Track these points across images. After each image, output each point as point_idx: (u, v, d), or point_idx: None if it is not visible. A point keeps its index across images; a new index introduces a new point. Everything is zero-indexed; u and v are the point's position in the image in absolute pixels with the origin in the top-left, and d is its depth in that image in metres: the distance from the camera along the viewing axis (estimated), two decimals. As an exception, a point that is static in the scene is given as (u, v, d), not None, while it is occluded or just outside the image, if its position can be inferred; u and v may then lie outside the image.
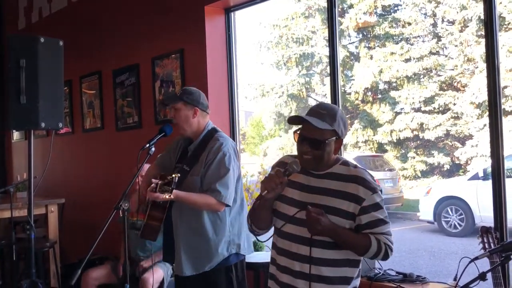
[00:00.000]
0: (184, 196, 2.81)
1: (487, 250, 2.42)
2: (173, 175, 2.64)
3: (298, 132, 2.11)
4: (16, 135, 7.80)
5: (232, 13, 4.86)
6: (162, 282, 4.06)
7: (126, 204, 2.56)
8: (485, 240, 2.53)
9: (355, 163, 2.21)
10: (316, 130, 2.03)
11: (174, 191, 2.69)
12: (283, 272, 2.16)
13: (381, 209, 2.08)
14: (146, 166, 4.21)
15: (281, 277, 2.17)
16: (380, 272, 3.54)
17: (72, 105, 6.46)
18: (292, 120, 2.12)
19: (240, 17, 5.03)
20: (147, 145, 2.81)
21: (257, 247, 4.29)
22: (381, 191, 2.11)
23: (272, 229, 2.30)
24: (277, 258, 2.20)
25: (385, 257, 2.09)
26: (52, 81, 3.32)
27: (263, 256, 3.84)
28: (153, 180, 2.75)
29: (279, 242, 2.20)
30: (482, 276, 2.02)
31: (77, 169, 6.46)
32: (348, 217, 2.06)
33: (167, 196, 2.65)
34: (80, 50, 6.15)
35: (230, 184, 2.87)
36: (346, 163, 2.15)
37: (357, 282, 2.17)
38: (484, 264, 2.36)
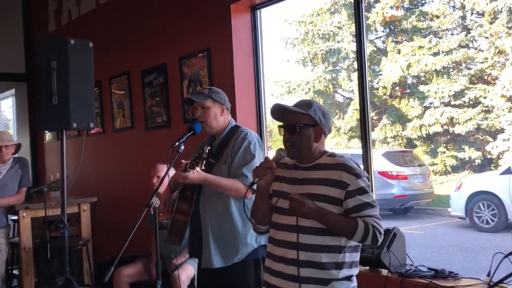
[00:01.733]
0: (213, 179, 2.85)
1: (521, 245, 2.37)
2: (201, 150, 2.66)
3: (278, 125, 2.28)
4: (48, 135, 7.96)
5: (257, 11, 4.86)
6: (193, 279, 4.09)
7: (157, 202, 2.59)
8: (520, 235, 2.48)
9: (341, 154, 2.28)
10: (291, 116, 2.21)
11: (203, 173, 2.73)
12: (276, 261, 2.25)
13: (367, 193, 2.13)
14: (163, 167, 4.25)
15: (274, 266, 2.26)
16: (411, 269, 3.50)
17: (102, 106, 6.56)
18: (273, 113, 2.30)
19: (265, 14, 5.03)
20: (177, 143, 2.84)
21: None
22: (367, 178, 2.18)
23: None
24: (271, 249, 2.30)
25: (374, 240, 2.10)
26: (83, 82, 3.38)
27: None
28: (183, 161, 2.78)
29: (271, 233, 2.32)
30: (517, 272, 1.99)
31: (108, 168, 6.56)
32: (335, 203, 2.13)
33: (198, 169, 2.67)
34: (109, 51, 6.24)
35: None
36: (332, 155, 2.25)
37: (351, 271, 2.20)
38: (519, 260, 2.32)
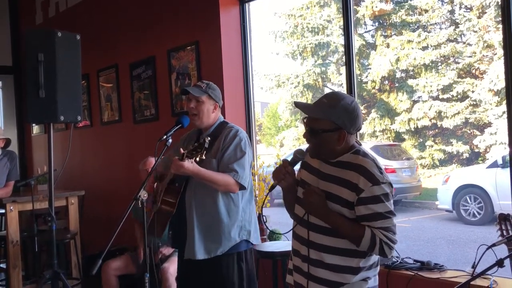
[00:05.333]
0: (205, 172, 2.87)
1: (505, 237, 2.41)
2: (202, 140, 2.66)
3: (304, 121, 2.13)
4: (35, 128, 7.91)
5: (246, 4, 4.86)
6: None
7: (145, 195, 2.60)
8: (503, 227, 2.52)
9: (368, 152, 2.11)
10: (314, 119, 2.05)
11: (197, 166, 2.77)
12: (294, 255, 2.22)
13: (382, 203, 1.97)
14: (152, 160, 4.27)
15: (294, 260, 2.23)
16: (397, 261, 3.54)
17: (90, 99, 6.53)
18: (296, 107, 2.16)
19: (254, 7, 5.02)
20: (165, 137, 2.86)
21: (274, 237, 4.32)
22: (388, 184, 2.01)
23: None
24: (292, 241, 2.25)
25: (382, 253, 2.00)
26: (70, 74, 3.37)
27: (280, 245, 3.87)
28: (181, 150, 2.79)
29: (293, 224, 2.25)
30: (499, 263, 2.02)
31: (96, 162, 6.54)
32: (347, 206, 2.02)
33: (197, 159, 2.69)
34: (97, 44, 6.20)
35: (246, 166, 2.98)
36: (357, 152, 2.08)
37: (369, 273, 2.11)
38: (504, 252, 2.35)
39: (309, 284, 2.12)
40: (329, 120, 2.01)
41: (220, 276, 2.98)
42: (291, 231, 2.27)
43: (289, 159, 2.23)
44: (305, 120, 2.10)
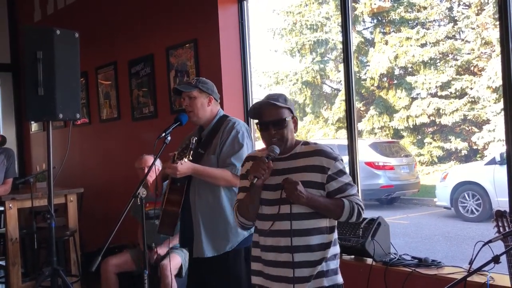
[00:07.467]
0: (201, 169, 2.88)
1: (501, 233, 2.42)
2: (191, 139, 2.70)
3: (261, 122, 2.28)
4: (34, 126, 7.91)
5: (245, 1, 4.86)
6: (180, 268, 4.12)
7: (143, 192, 2.61)
8: (500, 224, 2.53)
9: (314, 142, 2.38)
10: (276, 112, 2.25)
11: (190, 164, 2.78)
12: (269, 251, 2.29)
13: (345, 175, 2.27)
14: (149, 158, 4.28)
15: (266, 256, 2.30)
16: (395, 257, 3.56)
17: (88, 96, 6.53)
18: (253, 112, 2.30)
19: (253, 4, 5.03)
20: (163, 134, 2.87)
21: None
22: (341, 160, 2.29)
23: None
24: (264, 241, 2.32)
25: (359, 216, 2.26)
26: (69, 72, 3.37)
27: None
28: (170, 154, 2.80)
29: (258, 224, 2.35)
30: (495, 259, 2.04)
31: (95, 159, 6.55)
32: (319, 187, 2.23)
33: (185, 159, 2.70)
34: (95, 41, 6.20)
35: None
36: (306, 143, 2.34)
37: (336, 249, 2.31)
38: (500, 248, 2.37)
39: (295, 272, 2.20)
40: (288, 108, 2.27)
41: (228, 271, 2.98)
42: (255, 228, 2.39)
43: None
44: (264, 120, 2.25)
